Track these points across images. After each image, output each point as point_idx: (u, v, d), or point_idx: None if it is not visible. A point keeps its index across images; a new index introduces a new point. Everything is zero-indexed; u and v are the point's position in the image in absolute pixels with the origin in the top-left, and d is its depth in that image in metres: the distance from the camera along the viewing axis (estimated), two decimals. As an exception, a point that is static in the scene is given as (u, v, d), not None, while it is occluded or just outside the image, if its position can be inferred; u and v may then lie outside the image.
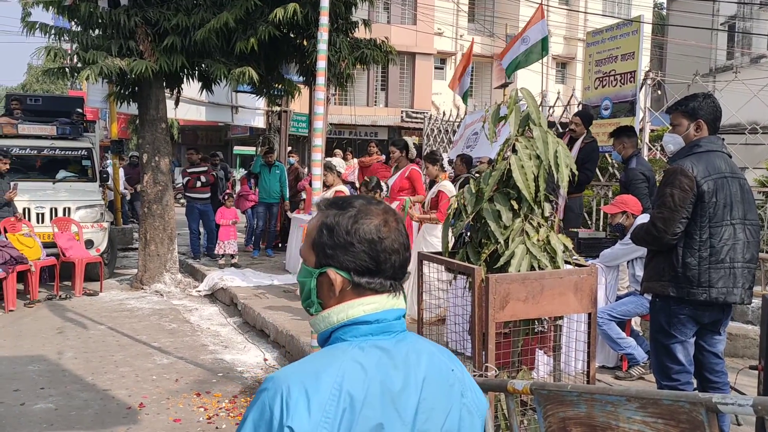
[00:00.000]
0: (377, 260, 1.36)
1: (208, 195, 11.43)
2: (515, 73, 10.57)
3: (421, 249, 7.03)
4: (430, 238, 7.07)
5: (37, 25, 8.78)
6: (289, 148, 17.68)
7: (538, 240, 3.21)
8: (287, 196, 12.04)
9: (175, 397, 5.40)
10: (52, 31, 8.87)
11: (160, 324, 7.72)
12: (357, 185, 12.51)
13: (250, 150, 24.72)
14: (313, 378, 1.25)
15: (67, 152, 10.70)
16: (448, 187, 7.08)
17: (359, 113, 26.21)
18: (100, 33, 8.99)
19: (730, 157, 3.82)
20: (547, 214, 3.30)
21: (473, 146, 9.47)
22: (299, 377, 1.26)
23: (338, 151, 15.16)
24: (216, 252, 10.79)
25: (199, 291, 9.50)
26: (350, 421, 1.23)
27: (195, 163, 11.61)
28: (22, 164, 10.30)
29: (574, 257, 3.49)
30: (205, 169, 11.56)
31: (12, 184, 9.05)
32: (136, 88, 9.62)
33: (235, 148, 28.70)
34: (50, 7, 8.85)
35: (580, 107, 8.61)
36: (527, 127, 3.29)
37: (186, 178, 11.43)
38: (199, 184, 11.29)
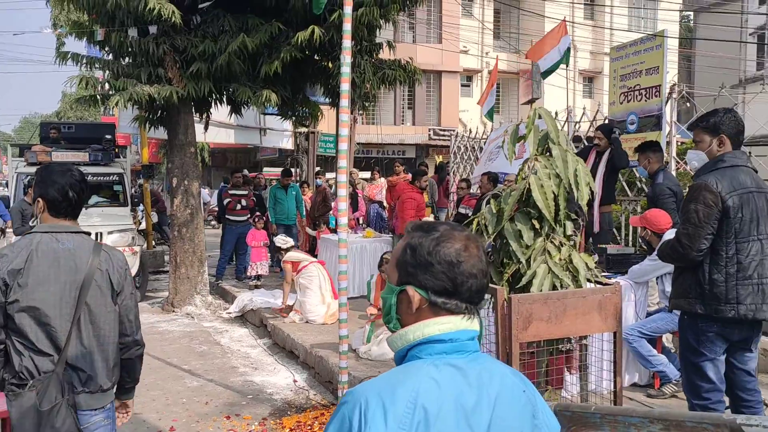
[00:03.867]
0: (455, 282, 1.43)
1: (246, 217, 11.52)
2: (542, 88, 10.55)
3: None
4: None
5: (69, 55, 9.03)
6: (318, 169, 17.83)
7: (560, 259, 3.20)
8: (303, 214, 12.19)
9: (204, 420, 5.45)
10: (83, 60, 9.11)
11: (191, 346, 7.81)
12: (385, 204, 12.56)
13: (278, 170, 24.97)
14: (390, 392, 1.32)
15: (99, 178, 10.93)
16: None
17: (386, 132, 26.30)
18: (130, 61, 9.22)
19: (756, 171, 3.76)
20: (569, 232, 3.29)
21: (495, 159, 9.45)
22: (377, 391, 1.34)
23: (354, 170, 15.21)
24: (249, 274, 10.86)
25: (230, 313, 9.58)
26: None
27: (238, 185, 11.74)
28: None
29: (597, 276, 3.47)
30: (246, 192, 11.69)
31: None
32: (165, 114, 9.81)
33: (265, 169, 29.01)
34: (83, 37, 9.12)
35: (606, 122, 8.56)
36: (546, 146, 3.30)
37: (227, 200, 11.52)
38: (239, 207, 11.40)
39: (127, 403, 3.11)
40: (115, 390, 2.97)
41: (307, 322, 8.07)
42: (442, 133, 27.11)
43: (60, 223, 2.78)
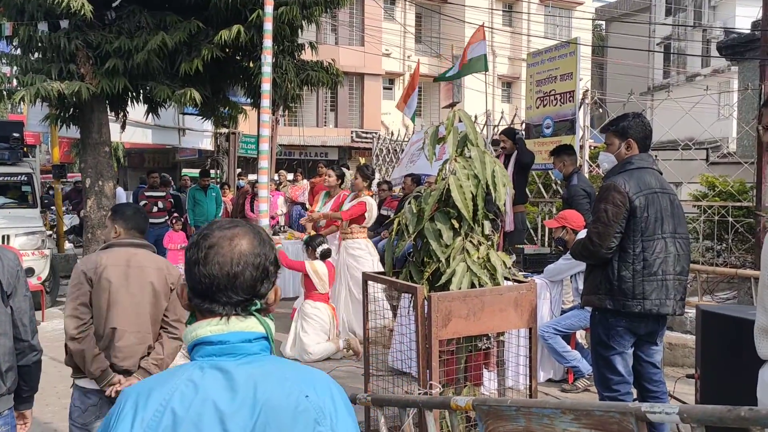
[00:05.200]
0: (201, 283, 1.38)
1: (164, 219, 11.20)
2: (462, 92, 10.75)
3: (346, 266, 7.15)
4: (354, 251, 7.26)
5: (-26, 49, 8.57)
6: (239, 170, 17.56)
7: (479, 257, 3.27)
8: (219, 215, 12.00)
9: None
10: (-11, 55, 8.67)
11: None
12: (307, 206, 12.50)
13: (197, 172, 24.48)
14: (146, 394, 1.31)
15: (6, 178, 10.40)
16: (369, 201, 7.32)
17: (309, 134, 26.23)
18: (40, 56, 8.82)
19: (661, 173, 3.97)
20: (487, 231, 3.37)
21: (416, 161, 9.59)
22: (137, 391, 1.33)
23: (283, 172, 15.11)
24: None
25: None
26: None
27: (155, 186, 11.40)
28: (-42, 191, 9.98)
29: (514, 274, 3.57)
30: (164, 194, 11.37)
31: (-53, 211, 8.75)
32: (78, 111, 9.44)
33: (183, 170, 28.34)
34: (-13, 30, 8.66)
35: (524, 126, 8.82)
36: (465, 148, 3.37)
37: (143, 202, 11.18)
38: (155, 209, 11.08)
39: (25, 414, 2.98)
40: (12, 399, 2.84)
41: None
42: (364, 135, 27.23)
43: None
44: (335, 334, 6.87)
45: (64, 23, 8.28)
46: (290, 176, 15.73)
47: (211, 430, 1.26)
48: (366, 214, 7.26)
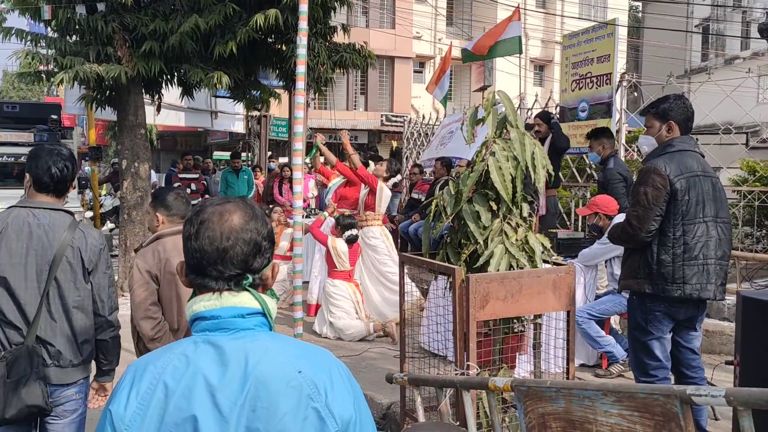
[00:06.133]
0: (193, 257, 1.41)
1: (197, 201, 11.31)
2: (494, 75, 10.65)
3: (366, 255, 7.32)
4: (370, 241, 7.48)
5: (13, 31, 8.71)
6: (269, 153, 17.65)
7: (517, 240, 3.26)
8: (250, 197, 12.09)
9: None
10: (29, 37, 8.80)
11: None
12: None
13: (228, 155, 24.68)
14: (142, 368, 1.35)
15: (44, 159, 10.60)
16: (382, 185, 7.68)
17: (339, 117, 26.24)
18: (78, 39, 8.94)
19: (703, 156, 3.90)
20: (525, 214, 3.36)
21: (447, 144, 9.52)
22: (135, 367, 1.38)
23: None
24: None
25: (180, 297, 9.44)
26: (162, 410, 1.29)
27: (188, 168, 11.52)
28: (0, 171, 10.20)
29: (553, 256, 3.55)
30: (197, 176, 11.49)
31: (-11, 191, 8.96)
32: (114, 94, 9.57)
33: (215, 153, 28.57)
34: (26, 13, 8.79)
35: (558, 109, 8.71)
36: (504, 129, 3.35)
37: (177, 184, 11.32)
38: (189, 191, 11.20)
39: (105, 386, 3.13)
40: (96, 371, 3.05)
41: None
42: (394, 119, 27.15)
43: (41, 199, 2.85)
44: (363, 310, 6.99)
45: (101, 6, 8.38)
46: (321, 159, 15.75)
47: (201, 403, 1.28)
48: (377, 196, 7.47)
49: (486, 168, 3.22)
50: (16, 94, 41.25)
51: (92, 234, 2.92)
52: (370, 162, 8.30)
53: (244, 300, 1.40)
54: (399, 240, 9.64)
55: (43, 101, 24.64)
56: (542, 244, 3.33)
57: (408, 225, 9.33)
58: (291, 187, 11.80)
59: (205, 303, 1.39)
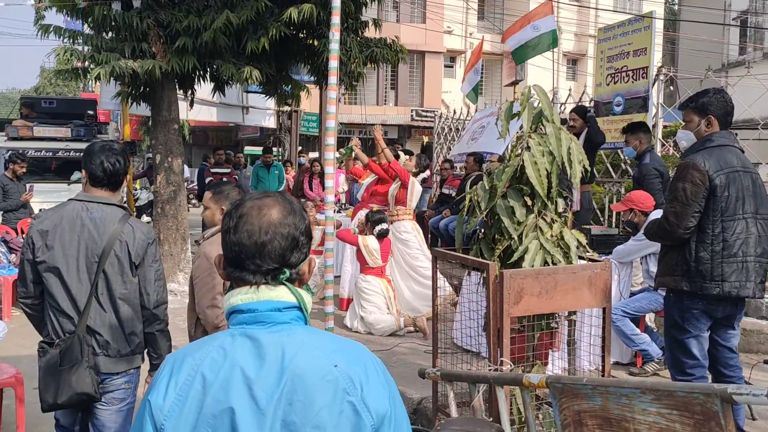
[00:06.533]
0: (231, 251, 1.43)
1: None
2: (525, 70, 10.53)
3: (397, 250, 7.31)
4: (401, 235, 7.48)
5: (51, 28, 8.86)
6: (299, 148, 17.73)
7: (552, 235, 3.23)
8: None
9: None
10: (66, 34, 8.96)
11: (175, 323, 7.66)
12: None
13: (260, 150, 24.88)
14: (181, 360, 1.37)
15: (81, 153, 10.80)
16: (414, 180, 7.79)
17: (369, 112, 26.25)
18: (113, 35, 9.07)
19: (743, 152, 3.82)
20: (560, 209, 3.32)
21: (478, 138, 9.45)
22: (173, 358, 1.40)
23: (342, 151, 15.12)
24: None
25: (212, 290, 9.54)
26: (200, 402, 1.30)
27: (220, 163, 11.64)
28: (38, 166, 10.44)
29: (588, 252, 3.51)
30: (229, 171, 11.60)
31: (28, 186, 9.16)
32: (149, 89, 9.69)
33: (246, 148, 28.82)
34: (63, 11, 8.94)
35: (592, 103, 8.60)
36: (540, 124, 3.31)
37: (209, 179, 11.43)
38: None
39: None
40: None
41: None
42: (424, 114, 27.09)
43: (96, 193, 2.96)
44: (395, 305, 6.98)
45: (136, 2, 8.48)
46: (356, 163, 15.77)
47: (238, 395, 1.30)
48: (408, 191, 7.47)
49: (521, 163, 3.20)
50: (53, 90, 42.04)
51: (141, 228, 2.99)
52: (400, 154, 8.32)
53: (281, 294, 1.41)
54: (429, 235, 9.63)
55: (79, 97, 25.06)
56: (578, 240, 3.30)
57: (438, 220, 9.31)
58: (321, 182, 11.90)
59: (243, 296, 1.41)
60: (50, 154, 10.70)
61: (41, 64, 56.43)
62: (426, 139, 15.69)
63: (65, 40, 9.07)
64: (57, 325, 2.89)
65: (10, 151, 9.89)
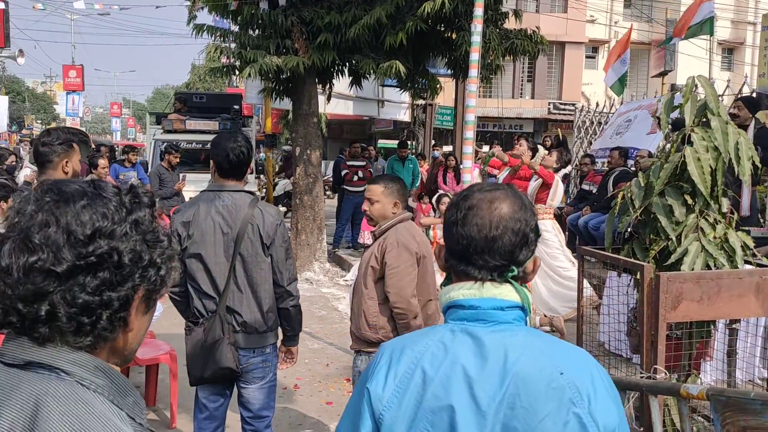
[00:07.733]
0: (458, 243, 1.36)
1: (363, 188, 11.60)
2: (675, 59, 9.93)
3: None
4: (542, 234, 7.04)
5: (205, 27, 9.40)
6: (433, 142, 17.75)
7: (715, 237, 2.99)
8: (416, 186, 12.19)
9: (326, 381, 5.60)
10: (218, 33, 9.47)
11: (311, 311, 8.02)
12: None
13: (393, 143, 25.19)
14: (400, 350, 1.35)
15: (229, 146, 11.42)
16: (557, 179, 7.50)
17: (504, 105, 25.83)
18: (260, 33, 9.48)
19: None
20: (725, 209, 3.07)
21: (623, 133, 8.99)
22: (391, 348, 1.38)
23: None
24: (359, 241, 10.99)
25: (347, 280, 9.75)
26: (419, 396, 1.28)
27: (355, 156, 11.89)
28: (189, 157, 11.14)
29: (756, 257, 3.22)
30: (364, 163, 11.82)
31: (181, 175, 9.81)
32: (291, 84, 10.05)
33: (379, 141, 29.28)
34: (214, 11, 9.46)
35: (755, 95, 7.94)
36: (703, 118, 3.08)
37: (344, 171, 11.71)
38: (356, 178, 11.54)
39: (291, 350, 3.43)
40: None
41: None
42: (562, 107, 26.29)
43: (224, 182, 3.15)
44: (531, 304, 6.79)
45: (282, 0, 8.81)
46: (485, 148, 15.61)
47: (459, 393, 1.26)
48: (551, 190, 7.17)
49: (682, 159, 2.98)
50: (202, 86, 44.76)
51: (269, 211, 3.17)
52: (539, 148, 8.09)
53: (505, 292, 1.35)
54: (567, 233, 9.31)
55: (225, 92, 26.52)
56: (744, 243, 3.03)
57: (577, 217, 8.96)
58: (455, 176, 11.85)
59: (465, 291, 1.36)
60: (200, 146, 11.38)
61: (192, 61, 60.28)
62: (560, 133, 15.15)
63: (216, 39, 9.60)
64: (201, 305, 3.11)
65: (165, 143, 10.61)
